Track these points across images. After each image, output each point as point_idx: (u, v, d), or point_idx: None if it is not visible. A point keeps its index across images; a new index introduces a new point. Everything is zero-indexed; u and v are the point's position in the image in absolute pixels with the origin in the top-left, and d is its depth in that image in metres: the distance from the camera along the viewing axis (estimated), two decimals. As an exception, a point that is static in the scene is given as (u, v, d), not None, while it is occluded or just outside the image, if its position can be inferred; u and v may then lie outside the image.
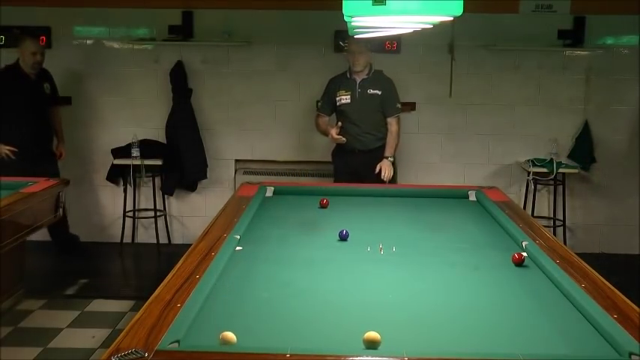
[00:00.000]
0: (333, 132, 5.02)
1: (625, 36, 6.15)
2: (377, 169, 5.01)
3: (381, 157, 5.06)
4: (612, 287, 2.44)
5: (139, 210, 6.40)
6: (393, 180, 5.10)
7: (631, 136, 6.23)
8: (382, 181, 4.97)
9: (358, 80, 5.12)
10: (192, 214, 6.48)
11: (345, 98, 5.11)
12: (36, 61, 5.50)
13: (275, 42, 6.25)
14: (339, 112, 5.17)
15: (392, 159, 5.09)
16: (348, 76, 5.16)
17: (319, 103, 5.36)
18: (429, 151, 6.32)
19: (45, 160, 5.64)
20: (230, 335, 1.96)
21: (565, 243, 5.86)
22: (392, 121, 5.14)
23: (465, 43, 6.09)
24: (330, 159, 5.46)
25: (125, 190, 6.30)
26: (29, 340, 4.22)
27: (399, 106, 5.20)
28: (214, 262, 2.64)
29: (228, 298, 2.38)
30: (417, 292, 2.54)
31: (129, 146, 6.12)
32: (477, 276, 2.72)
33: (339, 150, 5.24)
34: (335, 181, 5.27)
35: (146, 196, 6.40)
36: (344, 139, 5.03)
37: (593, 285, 2.45)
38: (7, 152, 5.38)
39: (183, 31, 6.14)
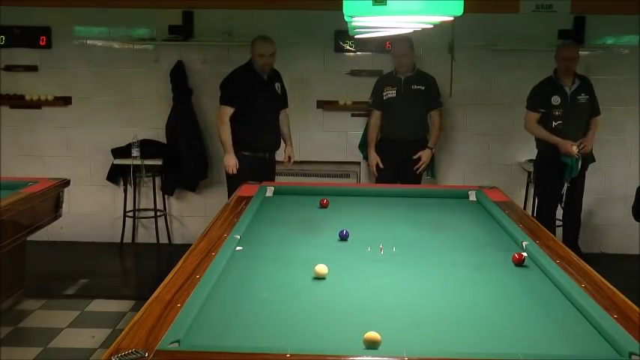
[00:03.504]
0: (380, 163, 5.57)
1: (625, 36, 6.15)
2: (417, 156, 5.55)
3: (422, 147, 5.59)
4: (612, 287, 2.43)
5: (139, 210, 6.40)
6: (430, 170, 5.68)
7: (630, 135, 6.22)
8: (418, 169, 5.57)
9: (403, 77, 5.57)
10: (192, 214, 6.48)
11: (391, 93, 5.58)
12: (264, 63, 5.27)
13: (275, 42, 6.24)
14: (385, 105, 5.60)
15: (433, 150, 5.66)
16: (394, 74, 5.62)
17: (370, 101, 5.75)
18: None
19: (271, 164, 5.49)
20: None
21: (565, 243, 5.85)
22: (434, 114, 5.67)
23: (465, 43, 6.08)
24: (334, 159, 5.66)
25: (125, 190, 6.31)
26: (29, 340, 4.22)
27: (440, 100, 5.71)
28: (214, 262, 2.64)
29: (228, 298, 2.38)
30: (417, 291, 2.54)
31: (129, 146, 6.13)
32: (478, 276, 2.72)
33: (382, 142, 5.67)
34: (377, 175, 5.65)
35: (146, 196, 6.41)
36: (375, 170, 5.63)
37: (593, 285, 2.45)
38: (233, 169, 5.23)
39: (183, 31, 6.13)
